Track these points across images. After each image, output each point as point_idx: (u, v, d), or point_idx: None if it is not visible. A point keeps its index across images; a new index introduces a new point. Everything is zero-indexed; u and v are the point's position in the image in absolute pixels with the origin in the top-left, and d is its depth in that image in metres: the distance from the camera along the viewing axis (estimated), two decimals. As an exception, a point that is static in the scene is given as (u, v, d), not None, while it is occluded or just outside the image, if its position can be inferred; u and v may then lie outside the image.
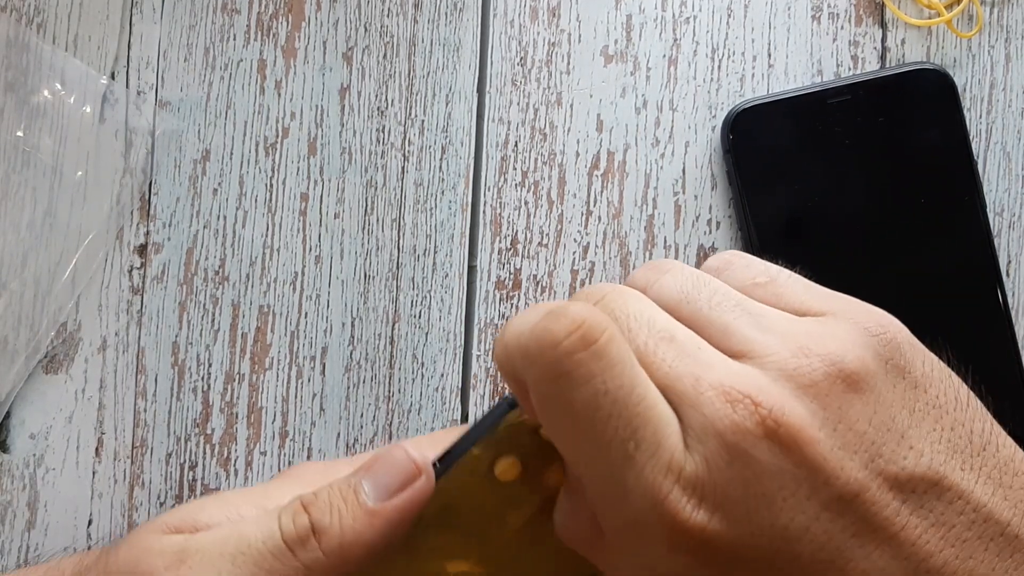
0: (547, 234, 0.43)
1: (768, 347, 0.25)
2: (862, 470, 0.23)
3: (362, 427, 0.42)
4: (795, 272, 0.29)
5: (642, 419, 0.23)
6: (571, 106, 0.43)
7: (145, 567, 0.28)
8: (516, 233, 0.43)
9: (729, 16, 0.43)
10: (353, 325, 0.42)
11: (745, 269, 0.28)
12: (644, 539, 0.24)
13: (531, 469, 0.28)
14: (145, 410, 0.42)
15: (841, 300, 0.27)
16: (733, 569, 0.23)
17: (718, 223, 0.43)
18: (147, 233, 0.42)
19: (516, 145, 0.43)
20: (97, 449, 0.42)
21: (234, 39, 0.43)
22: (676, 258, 0.43)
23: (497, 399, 0.28)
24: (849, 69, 0.43)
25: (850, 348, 0.24)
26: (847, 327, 0.25)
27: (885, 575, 0.23)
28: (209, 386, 0.42)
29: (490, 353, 0.42)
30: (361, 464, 0.29)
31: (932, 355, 0.27)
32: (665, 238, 0.43)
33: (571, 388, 0.23)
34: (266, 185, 0.43)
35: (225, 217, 0.42)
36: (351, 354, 0.42)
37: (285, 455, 0.42)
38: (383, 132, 0.43)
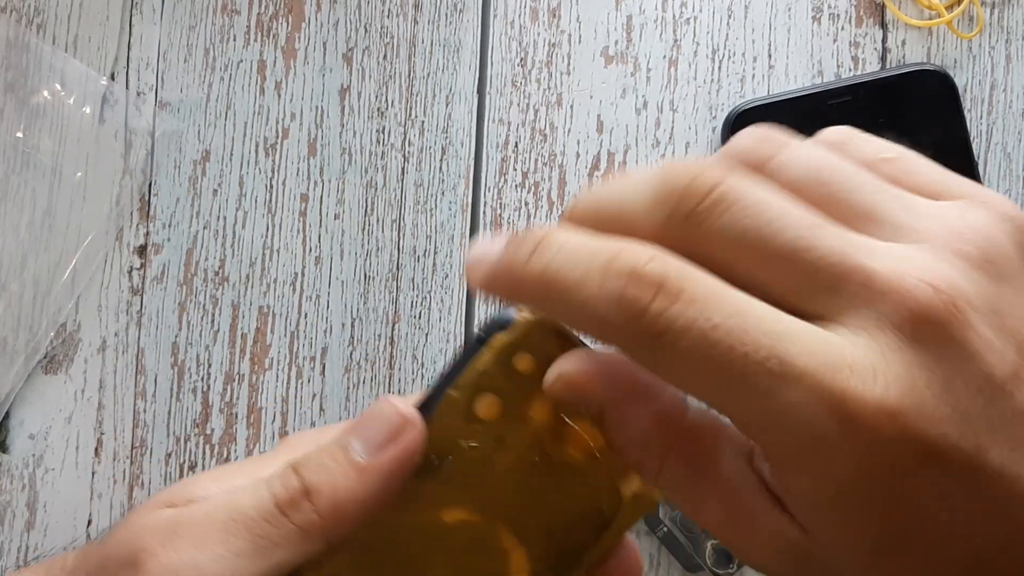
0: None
1: (926, 232, 0.22)
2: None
3: (362, 428, 0.42)
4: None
5: (775, 333, 0.21)
6: (571, 107, 0.43)
7: (139, 543, 0.28)
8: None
9: (729, 17, 0.43)
10: (353, 326, 0.42)
11: (868, 143, 0.25)
12: (833, 459, 0.21)
13: (513, 405, 0.27)
14: (144, 410, 0.42)
15: (972, 184, 0.25)
16: (935, 468, 0.21)
17: (718, 224, 0.43)
18: (147, 234, 0.42)
19: (516, 146, 0.43)
20: (96, 449, 0.42)
21: (234, 40, 0.43)
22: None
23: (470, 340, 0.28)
24: (850, 70, 0.43)
25: (1000, 235, 0.23)
26: (991, 213, 0.23)
27: None
28: (209, 386, 0.42)
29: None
30: (350, 423, 0.28)
31: None
32: (665, 239, 0.43)
33: (675, 342, 0.21)
34: (266, 186, 0.43)
35: (225, 218, 0.42)
36: (351, 355, 0.42)
37: (285, 456, 0.42)
38: (383, 133, 0.43)
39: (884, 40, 0.43)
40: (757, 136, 0.25)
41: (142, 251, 0.42)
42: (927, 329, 0.21)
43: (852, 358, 0.21)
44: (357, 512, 0.27)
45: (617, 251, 0.22)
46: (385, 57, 0.43)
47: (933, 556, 0.22)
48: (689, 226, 0.23)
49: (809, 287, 0.22)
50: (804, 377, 0.21)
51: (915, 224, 0.23)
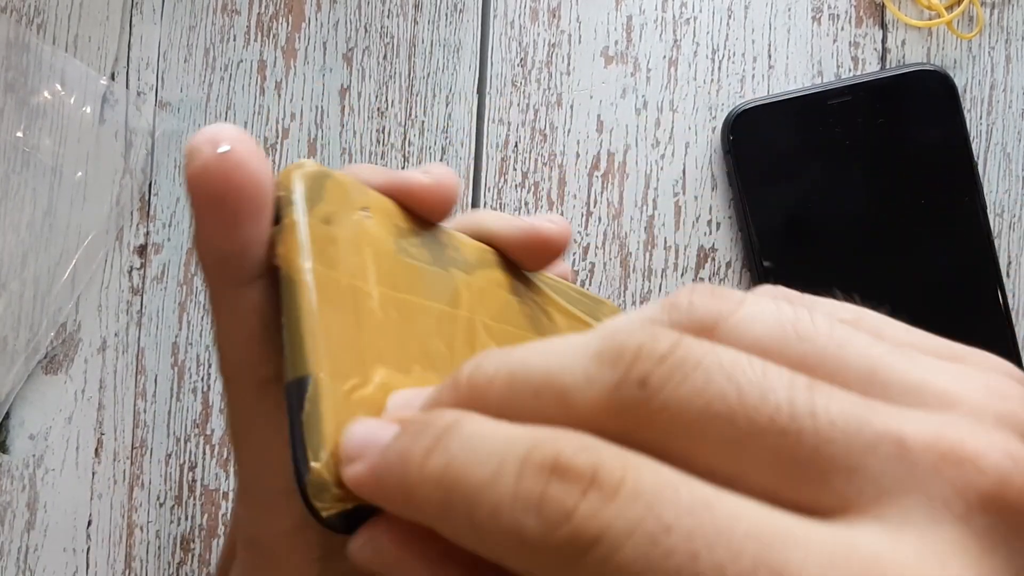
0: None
1: (953, 394, 0.16)
2: None
3: (362, 428, 0.42)
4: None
5: (764, 535, 0.15)
6: (571, 107, 0.43)
7: None
8: (516, 234, 0.43)
9: (729, 17, 0.43)
10: (353, 326, 0.42)
11: (816, 300, 0.19)
12: None
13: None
14: (145, 411, 0.42)
15: (954, 344, 0.19)
16: None
17: (718, 224, 0.43)
18: (147, 233, 0.42)
19: (516, 146, 0.43)
20: (97, 450, 0.42)
21: (234, 40, 0.43)
22: (675, 259, 0.43)
23: None
24: (849, 70, 0.43)
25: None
26: (1008, 376, 0.18)
27: None
28: (209, 387, 0.42)
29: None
30: None
31: None
32: (665, 239, 0.43)
33: (611, 555, 0.15)
34: (266, 186, 0.43)
35: (225, 218, 0.42)
36: (351, 355, 0.42)
37: (285, 456, 0.42)
38: (383, 133, 0.43)
39: (884, 40, 0.43)
40: (703, 291, 0.18)
41: (142, 251, 0.42)
42: (1011, 516, 0.15)
43: (896, 566, 0.14)
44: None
45: (540, 438, 0.16)
46: (385, 57, 0.43)
47: None
48: (644, 397, 0.16)
49: (813, 468, 0.15)
50: None
51: (933, 385, 0.17)
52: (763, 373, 0.16)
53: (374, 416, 0.20)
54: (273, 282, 0.23)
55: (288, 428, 0.21)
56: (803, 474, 0.15)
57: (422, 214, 0.26)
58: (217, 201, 0.20)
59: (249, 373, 0.23)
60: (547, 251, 0.28)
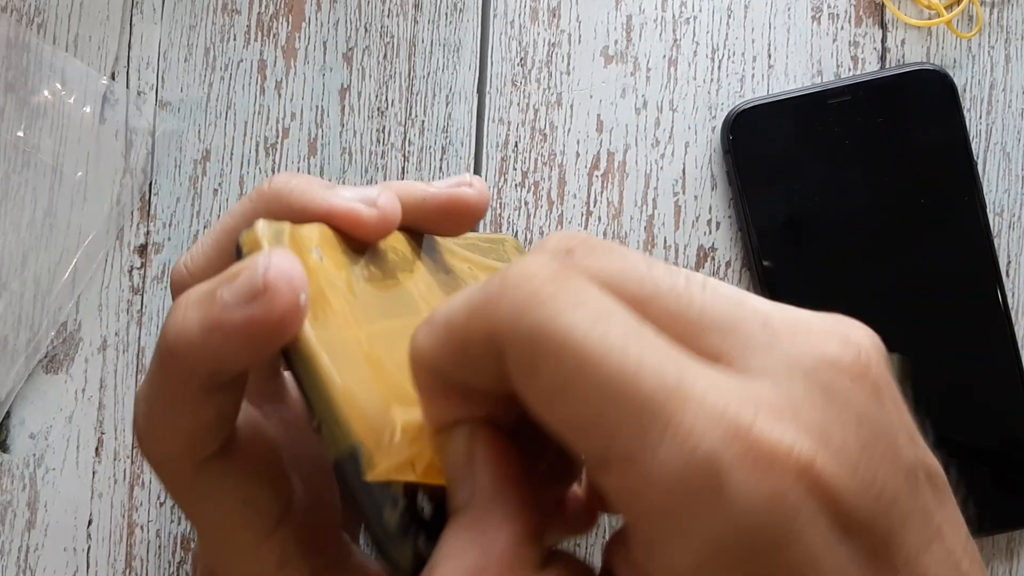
0: (547, 234, 0.43)
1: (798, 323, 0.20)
2: None
3: (362, 427, 0.42)
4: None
5: (672, 355, 0.18)
6: (571, 107, 0.43)
7: None
8: (516, 233, 0.43)
9: (729, 17, 0.43)
10: (353, 325, 0.42)
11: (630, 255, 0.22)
12: (725, 508, 0.17)
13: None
14: (145, 410, 0.42)
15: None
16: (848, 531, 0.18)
17: (718, 223, 0.43)
18: (147, 233, 0.42)
19: (516, 145, 0.43)
20: (97, 449, 0.42)
21: (234, 39, 0.43)
22: (675, 259, 0.43)
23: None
24: (849, 70, 0.43)
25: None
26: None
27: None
28: (209, 386, 0.42)
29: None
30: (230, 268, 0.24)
31: None
32: (665, 238, 0.43)
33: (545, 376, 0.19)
34: (266, 185, 0.43)
35: (225, 217, 0.42)
36: (351, 354, 0.42)
37: (285, 455, 0.42)
38: (383, 132, 0.43)
39: (884, 40, 0.43)
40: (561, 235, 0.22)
41: (143, 250, 0.42)
42: (844, 380, 0.19)
43: (760, 397, 0.18)
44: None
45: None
46: (385, 57, 0.43)
47: None
48: (570, 260, 0.21)
49: (698, 325, 0.20)
50: (706, 402, 0.17)
51: (785, 314, 0.20)
52: (649, 262, 0.21)
53: (425, 464, 0.22)
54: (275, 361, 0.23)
55: (349, 499, 0.22)
56: (690, 329, 0.20)
57: (362, 239, 0.27)
58: (263, 341, 0.22)
59: (189, 458, 0.25)
60: (471, 217, 0.30)
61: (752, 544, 0.17)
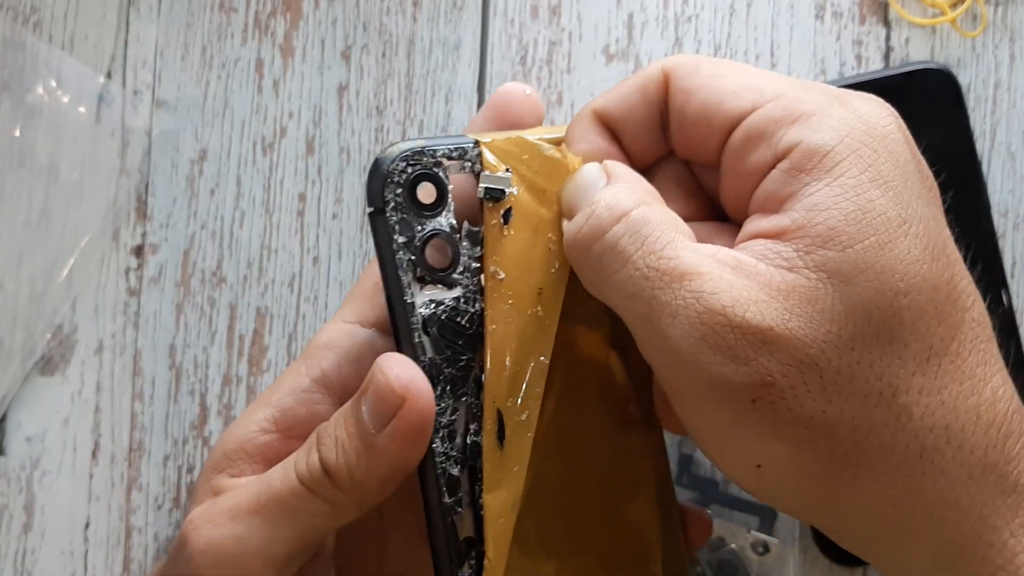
0: None
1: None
2: None
3: (361, 429, 0.42)
4: None
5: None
6: (572, 105, 0.43)
7: (188, 525, 0.29)
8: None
9: (731, 15, 0.43)
10: (352, 327, 0.42)
11: None
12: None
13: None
14: (142, 413, 0.42)
15: None
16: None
17: (720, 224, 0.43)
18: (144, 234, 0.42)
19: (516, 145, 0.43)
20: (94, 452, 0.41)
21: (231, 38, 0.43)
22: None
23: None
24: (853, 68, 0.43)
25: None
26: None
27: None
28: (206, 389, 0.42)
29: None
30: (365, 381, 0.28)
31: None
32: (666, 239, 0.42)
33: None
34: (264, 185, 0.42)
35: (222, 218, 0.42)
36: (350, 356, 0.42)
37: (283, 458, 0.42)
38: (382, 131, 0.43)
39: (887, 38, 0.43)
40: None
41: (139, 251, 0.42)
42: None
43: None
44: (377, 484, 0.27)
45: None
46: (384, 55, 0.43)
47: None
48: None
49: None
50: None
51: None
52: None
53: None
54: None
55: None
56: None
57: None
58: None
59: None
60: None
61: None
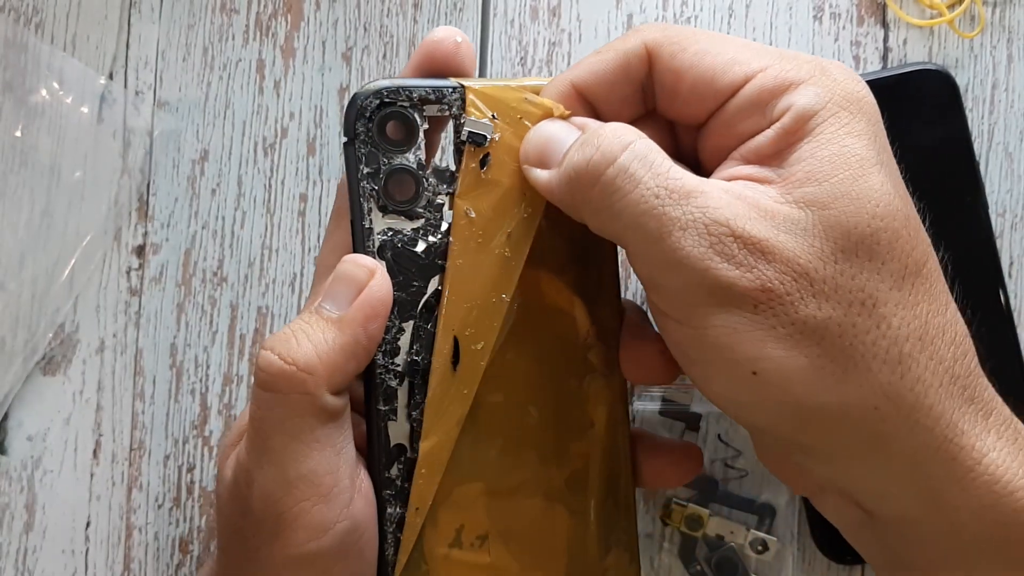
0: None
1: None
2: None
3: (361, 429, 0.42)
4: None
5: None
6: (571, 106, 0.43)
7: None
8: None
9: (730, 16, 0.43)
10: (352, 326, 0.42)
11: None
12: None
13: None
14: (143, 412, 0.42)
15: None
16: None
17: (719, 224, 0.43)
18: (145, 234, 0.42)
19: (516, 145, 0.43)
20: (95, 451, 0.42)
21: (233, 39, 0.43)
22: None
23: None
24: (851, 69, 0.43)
25: None
26: None
27: None
28: (207, 388, 0.42)
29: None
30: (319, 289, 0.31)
31: None
32: (666, 239, 0.43)
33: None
34: (265, 185, 0.42)
35: (223, 218, 0.42)
36: (350, 355, 0.42)
37: (284, 457, 0.42)
38: (382, 132, 0.43)
39: (886, 39, 0.43)
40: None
41: (140, 251, 0.42)
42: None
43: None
44: (345, 360, 0.29)
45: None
46: (385, 56, 0.43)
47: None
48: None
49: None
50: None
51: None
52: None
53: None
54: None
55: None
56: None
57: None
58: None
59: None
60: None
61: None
